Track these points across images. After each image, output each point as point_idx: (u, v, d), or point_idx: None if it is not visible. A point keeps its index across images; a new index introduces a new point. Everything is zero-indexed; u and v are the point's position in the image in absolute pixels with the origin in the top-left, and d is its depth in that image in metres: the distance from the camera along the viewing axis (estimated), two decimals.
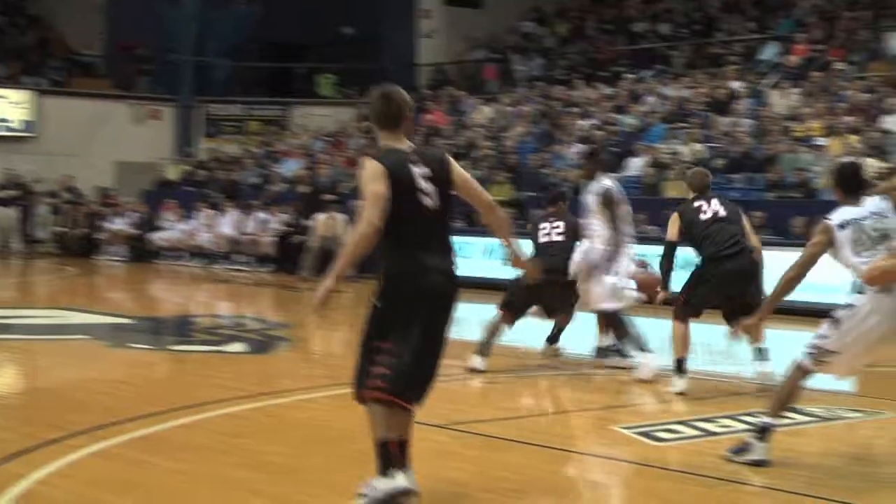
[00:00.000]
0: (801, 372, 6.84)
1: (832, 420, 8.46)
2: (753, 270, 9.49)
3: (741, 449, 6.84)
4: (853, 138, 18.47)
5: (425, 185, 5.68)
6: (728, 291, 9.50)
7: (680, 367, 9.46)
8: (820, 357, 6.73)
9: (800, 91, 21.24)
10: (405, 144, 5.80)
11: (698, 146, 20.49)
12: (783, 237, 16.79)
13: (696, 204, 9.71)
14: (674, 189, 19.64)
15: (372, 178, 5.58)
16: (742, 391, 9.94)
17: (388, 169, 5.59)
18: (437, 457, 6.99)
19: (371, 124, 5.97)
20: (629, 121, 22.78)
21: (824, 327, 6.75)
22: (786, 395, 6.89)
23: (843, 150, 18.18)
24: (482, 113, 26.18)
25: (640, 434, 7.83)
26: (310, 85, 31.96)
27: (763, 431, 6.79)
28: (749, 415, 8.25)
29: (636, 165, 20.71)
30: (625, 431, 7.92)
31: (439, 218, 5.72)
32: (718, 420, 8.34)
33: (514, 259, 6.25)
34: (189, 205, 26.02)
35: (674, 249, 9.75)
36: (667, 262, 9.78)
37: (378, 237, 5.53)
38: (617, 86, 24.72)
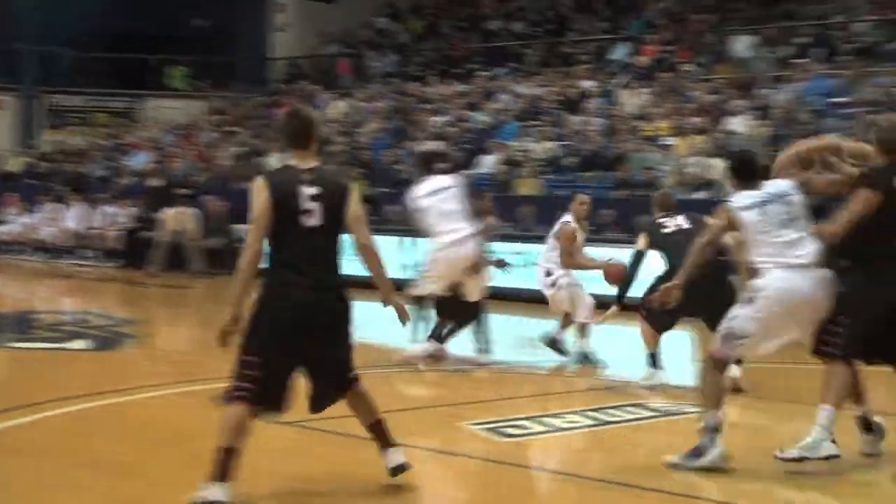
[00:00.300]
0: (716, 361, 6.93)
1: (677, 414, 8.63)
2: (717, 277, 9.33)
3: (695, 454, 6.75)
4: (699, 138, 18.92)
5: (311, 204, 5.87)
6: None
7: (653, 362, 9.85)
8: (735, 340, 6.84)
9: (649, 91, 21.67)
10: (309, 163, 5.99)
11: (550, 144, 20.76)
12: (631, 234, 17.08)
13: (661, 220, 10.12)
14: (526, 186, 19.88)
15: (255, 196, 5.85)
16: (593, 388, 10.11)
17: (272, 187, 5.84)
18: (286, 454, 6.95)
19: (280, 142, 6.21)
20: (482, 118, 22.96)
21: (736, 311, 6.89)
22: (712, 388, 6.88)
23: (690, 150, 18.63)
24: (336, 108, 26.10)
25: (489, 430, 7.90)
26: (161, 77, 31.43)
27: (714, 430, 6.75)
28: (596, 410, 8.40)
29: (489, 163, 20.87)
30: (473, 428, 7.98)
31: (323, 236, 5.90)
32: (565, 416, 8.46)
33: (385, 297, 6.33)
34: (32, 198, 25.36)
35: (640, 258, 10.04)
36: (630, 270, 10.13)
37: (260, 257, 5.84)
38: (470, 83, 24.88)
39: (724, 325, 6.90)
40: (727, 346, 6.87)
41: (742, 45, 22.21)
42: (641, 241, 10.12)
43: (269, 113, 26.32)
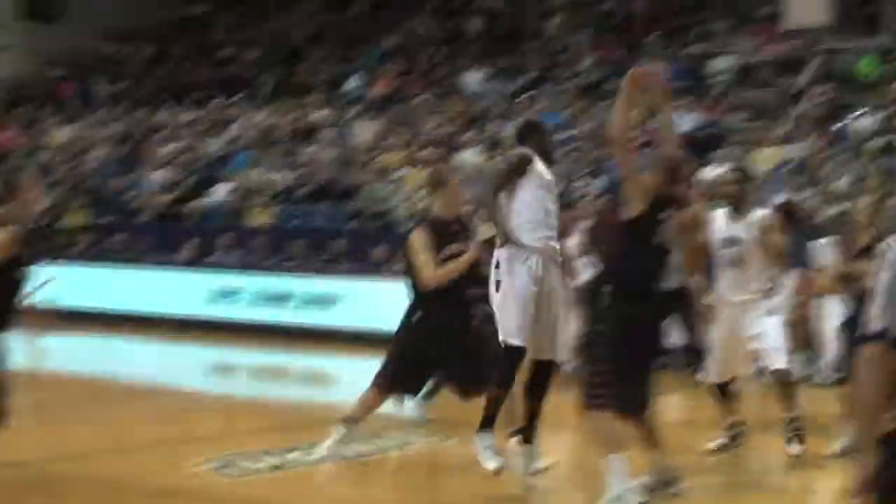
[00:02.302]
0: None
1: (409, 446, 8.72)
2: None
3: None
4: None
5: None
6: None
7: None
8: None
9: (382, 122, 21.96)
10: None
11: (283, 174, 20.78)
12: (363, 265, 17.32)
13: None
14: (259, 216, 19.84)
15: None
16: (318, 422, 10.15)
17: None
18: None
19: None
20: (214, 147, 22.79)
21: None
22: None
23: (421, 183, 18.97)
24: (60, 134, 25.37)
25: (211, 469, 7.85)
26: None
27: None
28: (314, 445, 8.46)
29: (222, 192, 20.74)
30: (196, 469, 7.91)
31: None
32: (284, 454, 8.44)
33: None
34: None
35: None
36: None
37: None
38: (203, 111, 24.65)
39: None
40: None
41: (473, 79, 22.83)
42: None
43: None
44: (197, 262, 18.91)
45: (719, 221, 8.37)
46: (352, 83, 24.46)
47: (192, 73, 27.30)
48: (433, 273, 7.45)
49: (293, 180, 20.55)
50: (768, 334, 8.31)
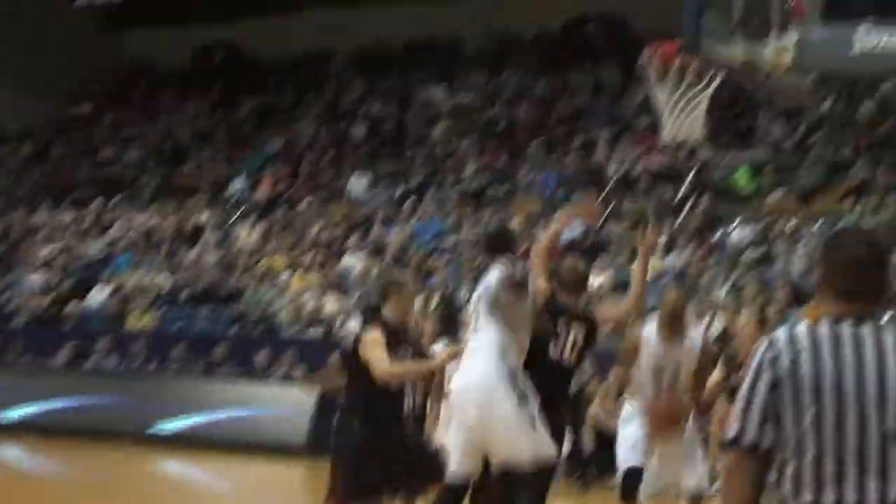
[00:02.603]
0: None
1: None
2: None
3: None
4: (314, 275, 19.31)
5: None
6: None
7: None
8: None
9: (266, 226, 21.91)
10: None
11: (164, 277, 20.57)
12: (246, 370, 17.17)
13: None
14: (139, 320, 19.57)
15: None
16: None
17: None
18: None
19: None
20: (94, 248, 22.48)
21: None
22: None
23: (305, 287, 18.96)
24: None
25: None
26: None
27: None
28: None
29: (101, 295, 20.42)
30: None
31: None
32: None
33: None
34: None
35: None
36: None
37: None
38: (83, 211, 24.31)
39: None
40: None
41: (358, 183, 22.97)
42: None
43: None
44: (74, 365, 18.58)
45: None
46: (236, 185, 24.43)
47: (73, 173, 26.98)
48: (391, 369, 7.23)
49: (175, 283, 20.34)
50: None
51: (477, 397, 7.04)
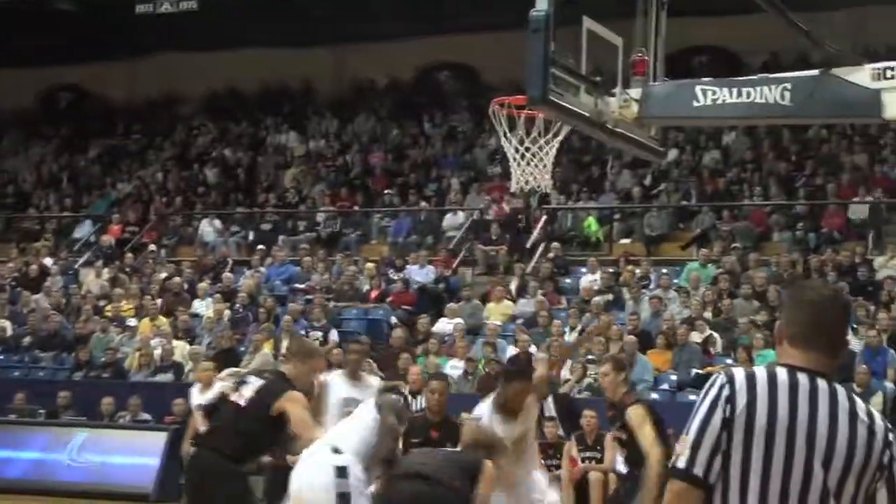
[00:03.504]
0: None
1: None
2: None
3: None
4: (164, 320, 19.09)
5: None
6: None
7: None
8: None
9: (113, 271, 21.57)
10: None
11: (5, 322, 20.10)
12: (90, 417, 16.87)
13: None
14: None
15: None
16: None
17: None
18: None
19: None
20: None
21: None
22: None
23: (153, 332, 18.72)
24: None
25: None
26: None
27: None
28: None
29: None
30: None
31: None
32: None
33: None
34: None
35: None
36: None
37: None
38: None
39: None
40: None
41: (209, 228, 22.84)
42: None
43: None
44: None
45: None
46: (82, 230, 24.08)
47: None
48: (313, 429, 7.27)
49: (16, 329, 19.89)
50: None
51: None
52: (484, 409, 8.15)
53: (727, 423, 3.40)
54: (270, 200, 24.01)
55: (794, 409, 3.39)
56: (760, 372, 3.46)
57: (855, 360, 14.57)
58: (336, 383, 8.90)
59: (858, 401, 3.46)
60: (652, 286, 18.21)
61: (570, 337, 16.14)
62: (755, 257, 18.37)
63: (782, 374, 3.44)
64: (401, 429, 7.42)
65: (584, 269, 19.11)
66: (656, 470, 7.41)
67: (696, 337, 16.19)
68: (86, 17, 24.98)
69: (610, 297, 17.92)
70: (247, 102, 28.00)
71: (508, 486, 7.72)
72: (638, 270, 18.57)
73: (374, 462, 7.08)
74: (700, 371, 15.45)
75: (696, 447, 3.42)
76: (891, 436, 3.45)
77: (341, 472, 6.73)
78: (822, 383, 3.42)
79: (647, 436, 7.72)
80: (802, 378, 3.42)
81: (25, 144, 28.45)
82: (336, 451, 6.89)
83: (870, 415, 3.45)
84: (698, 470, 3.41)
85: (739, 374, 3.47)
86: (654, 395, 15.32)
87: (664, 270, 18.57)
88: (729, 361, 15.10)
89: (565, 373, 14.96)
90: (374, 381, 9.46)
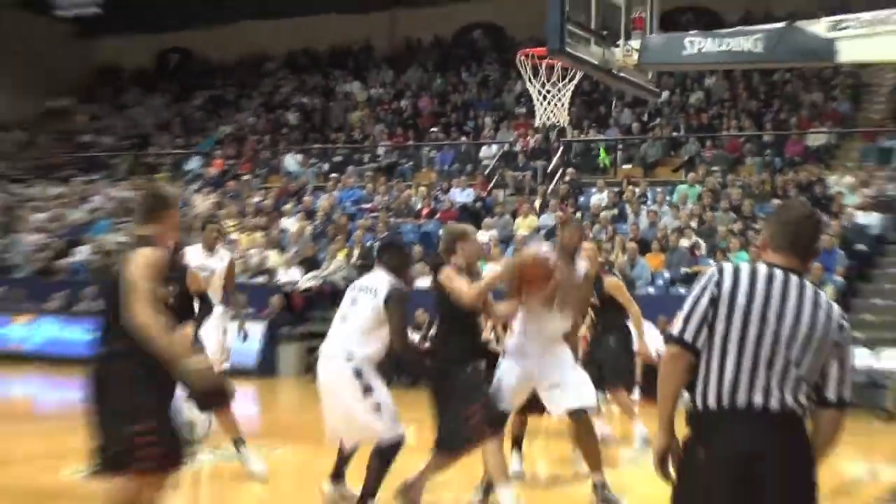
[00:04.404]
0: None
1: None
2: None
3: None
4: (258, 235, 19.26)
5: None
6: None
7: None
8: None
9: (217, 196, 21.73)
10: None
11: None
12: None
13: None
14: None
15: None
16: None
17: None
18: None
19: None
20: (77, 215, 22.15)
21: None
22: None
23: (250, 244, 18.89)
24: None
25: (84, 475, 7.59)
26: None
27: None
28: None
29: (84, 252, 20.19)
30: (72, 476, 7.55)
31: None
32: None
33: None
34: None
35: None
36: None
37: None
38: (67, 186, 23.94)
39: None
40: None
41: (291, 161, 22.91)
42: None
43: None
44: (66, 310, 18.45)
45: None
46: (192, 164, 24.22)
47: (58, 154, 26.49)
48: (474, 290, 6.50)
49: None
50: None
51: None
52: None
53: (714, 301, 3.45)
54: (340, 138, 24.01)
55: (768, 295, 3.42)
56: (745, 266, 3.50)
57: None
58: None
59: (822, 293, 3.52)
60: (649, 202, 18.15)
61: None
62: (731, 178, 18.27)
63: (763, 268, 3.49)
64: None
65: (594, 190, 19.06)
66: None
67: (684, 242, 16.18)
68: None
69: (615, 211, 17.89)
70: (319, 59, 27.90)
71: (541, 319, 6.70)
72: (637, 190, 18.51)
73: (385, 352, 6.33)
74: (688, 270, 15.46)
75: (687, 319, 3.47)
76: (843, 321, 3.50)
77: (357, 373, 6.17)
78: (794, 277, 3.46)
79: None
80: (779, 273, 3.46)
81: (144, 97, 28.53)
82: (349, 357, 6.21)
83: (829, 304, 3.49)
84: (688, 336, 3.47)
85: (728, 266, 3.53)
86: (651, 289, 15.36)
87: (659, 189, 18.49)
88: (711, 262, 15.08)
89: None
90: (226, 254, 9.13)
